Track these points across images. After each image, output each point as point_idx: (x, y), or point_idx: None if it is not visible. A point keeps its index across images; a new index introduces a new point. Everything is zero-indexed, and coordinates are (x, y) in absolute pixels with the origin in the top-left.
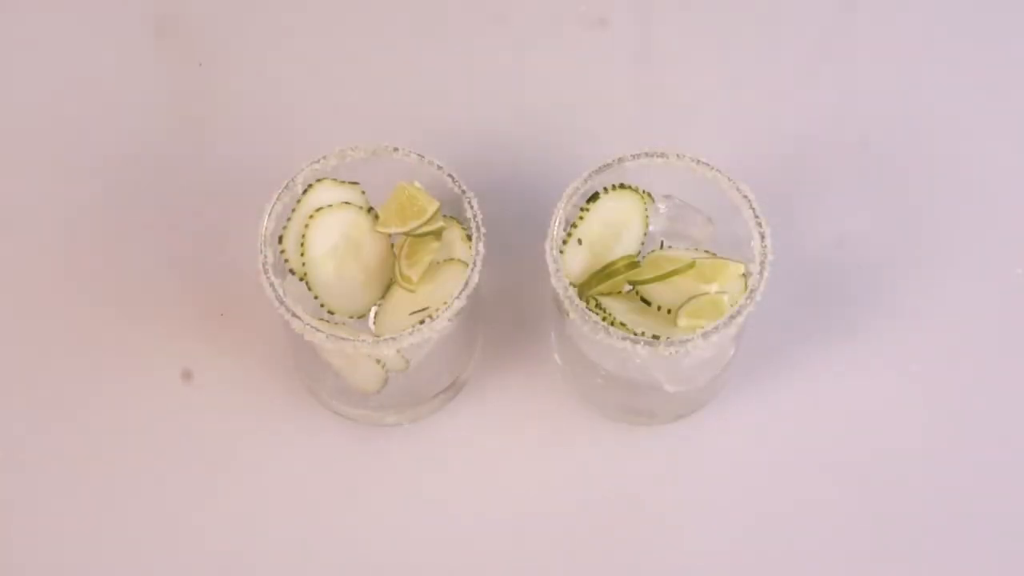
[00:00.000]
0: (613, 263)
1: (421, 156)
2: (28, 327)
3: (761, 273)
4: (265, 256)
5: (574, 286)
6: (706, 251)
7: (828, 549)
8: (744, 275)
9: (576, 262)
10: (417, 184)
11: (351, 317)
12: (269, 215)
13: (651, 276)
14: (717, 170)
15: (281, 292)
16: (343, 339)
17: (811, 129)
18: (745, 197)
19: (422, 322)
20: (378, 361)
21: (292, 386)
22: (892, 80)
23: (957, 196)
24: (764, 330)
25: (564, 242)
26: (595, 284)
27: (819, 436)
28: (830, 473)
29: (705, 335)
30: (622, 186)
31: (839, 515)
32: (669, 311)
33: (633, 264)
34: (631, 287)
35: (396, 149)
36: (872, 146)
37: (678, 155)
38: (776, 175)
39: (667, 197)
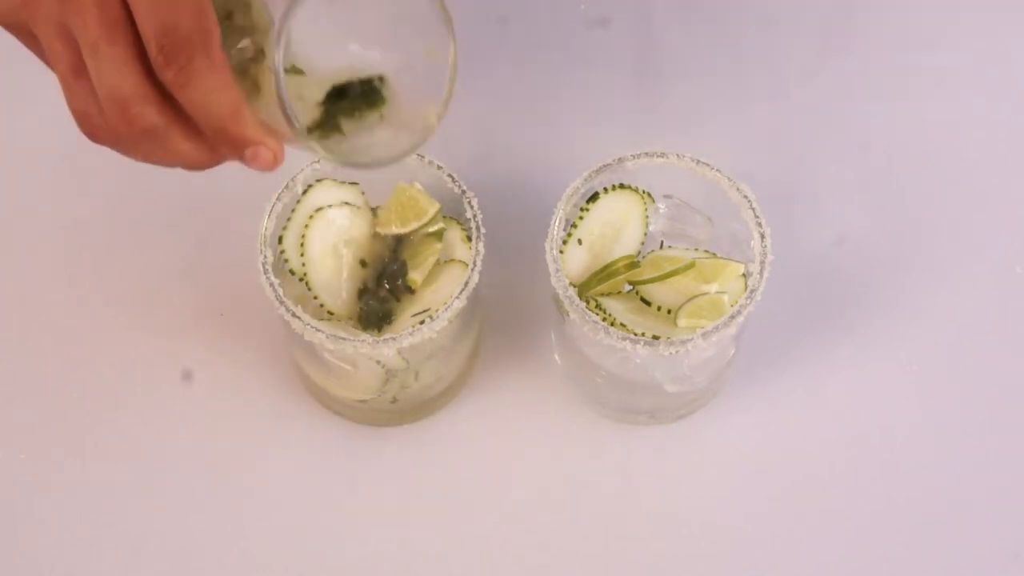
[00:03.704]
0: (613, 263)
1: (421, 156)
2: (28, 327)
3: (761, 273)
4: (265, 256)
5: (574, 286)
6: (706, 251)
7: (829, 548)
8: (744, 275)
9: (576, 262)
10: (417, 185)
11: (351, 318)
12: (269, 215)
13: (651, 276)
14: (717, 170)
15: (281, 292)
16: (343, 339)
17: (811, 130)
18: (745, 197)
19: (422, 322)
20: (378, 361)
21: (292, 386)
22: (892, 81)
23: (957, 196)
24: (764, 330)
25: (564, 242)
26: (595, 284)
27: (819, 436)
28: (830, 472)
29: (705, 335)
30: (622, 186)
31: (839, 514)
32: (669, 311)
33: (633, 264)
34: (631, 287)
35: None
36: (872, 147)
37: (678, 155)
38: (776, 175)
39: (667, 197)
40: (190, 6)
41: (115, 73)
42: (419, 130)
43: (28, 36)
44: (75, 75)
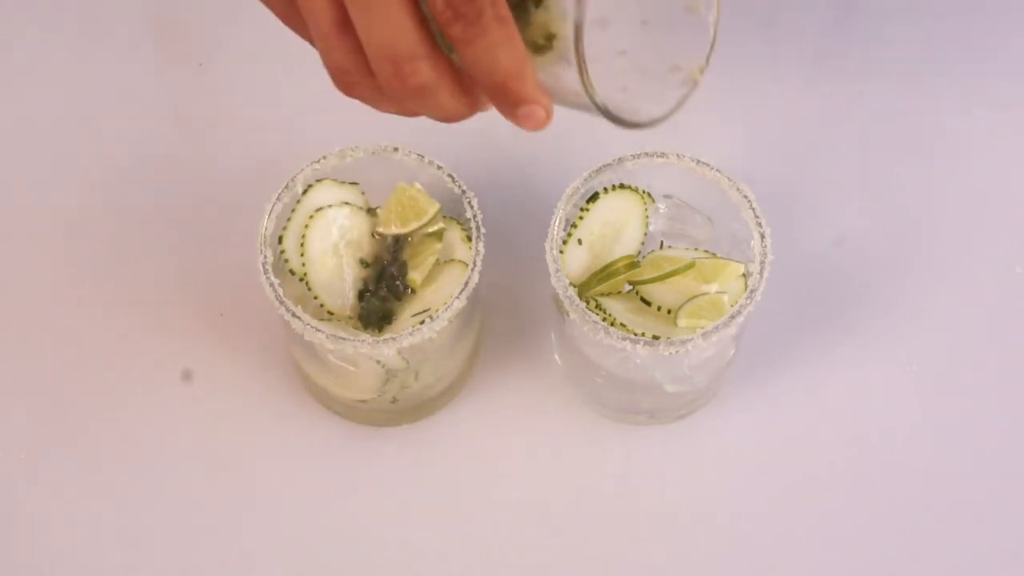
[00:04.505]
0: (613, 263)
1: (421, 156)
2: (29, 327)
3: (761, 273)
4: (265, 256)
5: (574, 286)
6: (706, 251)
7: (829, 548)
8: (744, 275)
9: (576, 262)
10: (417, 185)
11: (351, 317)
12: (269, 215)
13: (651, 276)
14: (717, 170)
15: (281, 292)
16: (343, 339)
17: (811, 129)
18: (745, 197)
19: (422, 322)
20: (378, 361)
21: (292, 386)
22: (892, 80)
23: (957, 196)
24: (764, 330)
25: (564, 242)
26: (595, 284)
27: (819, 436)
28: (830, 472)
29: (705, 335)
30: (622, 186)
31: (839, 514)
32: (669, 311)
33: (633, 264)
34: (631, 287)
35: (396, 149)
36: (872, 147)
37: (678, 155)
38: (776, 175)
39: (667, 197)
40: None
41: (391, 29)
42: (685, 83)
43: None
44: (339, 32)
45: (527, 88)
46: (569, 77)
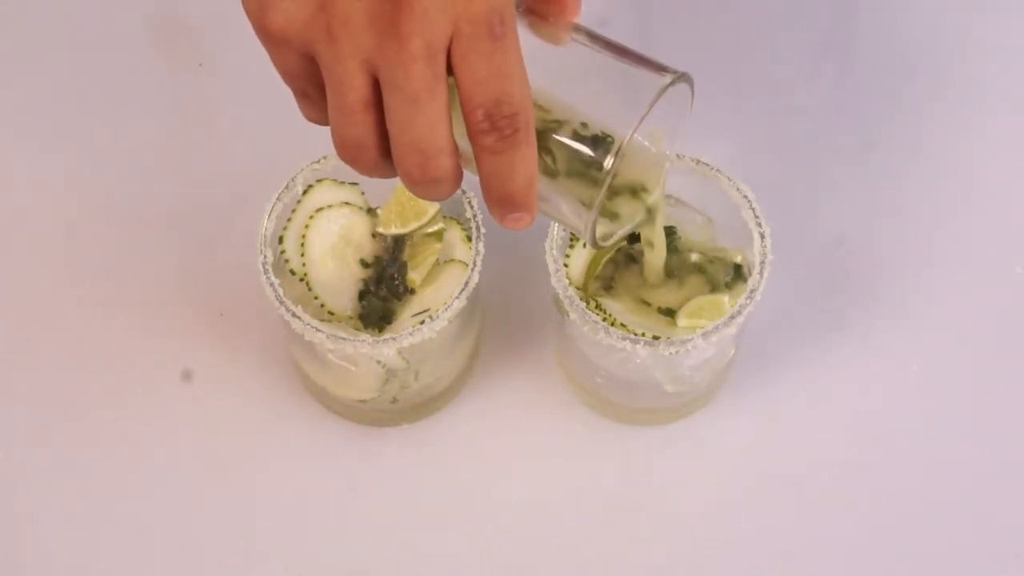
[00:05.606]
0: (603, 251)
1: None
2: (29, 327)
3: (761, 273)
4: (265, 256)
5: (574, 286)
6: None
7: (828, 549)
8: (741, 267)
9: (576, 262)
10: None
11: (351, 317)
12: (269, 215)
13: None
14: (717, 170)
15: (281, 292)
16: (343, 339)
17: (811, 130)
18: (745, 197)
19: (422, 322)
20: (378, 361)
21: (292, 386)
22: (892, 81)
23: (957, 196)
24: (764, 330)
25: (570, 246)
26: (592, 274)
27: (819, 436)
28: (830, 473)
29: (705, 335)
30: None
31: (839, 515)
32: (669, 311)
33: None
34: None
35: None
36: (872, 146)
37: (678, 155)
38: (776, 175)
39: (667, 197)
40: (520, 80)
41: (430, 127)
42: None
43: (295, 52)
44: (364, 109)
45: (528, 200)
46: (566, 205)
